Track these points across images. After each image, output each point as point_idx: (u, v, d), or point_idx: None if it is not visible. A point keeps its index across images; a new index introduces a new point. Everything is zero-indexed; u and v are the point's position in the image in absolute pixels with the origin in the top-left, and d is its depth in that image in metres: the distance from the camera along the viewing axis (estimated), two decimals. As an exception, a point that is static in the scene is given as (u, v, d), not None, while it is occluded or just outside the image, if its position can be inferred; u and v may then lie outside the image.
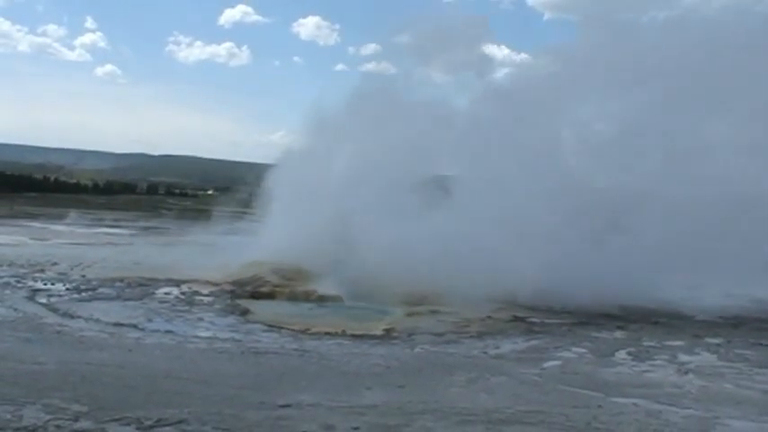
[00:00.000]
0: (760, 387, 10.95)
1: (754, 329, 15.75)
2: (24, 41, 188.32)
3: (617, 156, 20.60)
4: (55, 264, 21.32)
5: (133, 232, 34.79)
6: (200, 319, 14.95)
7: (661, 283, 17.35)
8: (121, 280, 18.93)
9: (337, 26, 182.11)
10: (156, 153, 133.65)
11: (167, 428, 7.56)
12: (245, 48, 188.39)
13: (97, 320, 14.03)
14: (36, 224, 35.29)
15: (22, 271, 19.75)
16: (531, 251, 17.50)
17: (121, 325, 13.71)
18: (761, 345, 14.11)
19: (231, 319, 15.14)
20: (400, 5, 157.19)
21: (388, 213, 19.84)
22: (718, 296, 17.67)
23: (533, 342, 13.80)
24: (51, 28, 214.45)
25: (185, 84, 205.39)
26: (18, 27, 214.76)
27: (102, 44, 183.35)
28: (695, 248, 17.98)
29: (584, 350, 13.13)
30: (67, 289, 17.56)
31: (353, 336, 13.94)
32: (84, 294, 17.03)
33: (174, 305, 16.23)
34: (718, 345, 13.96)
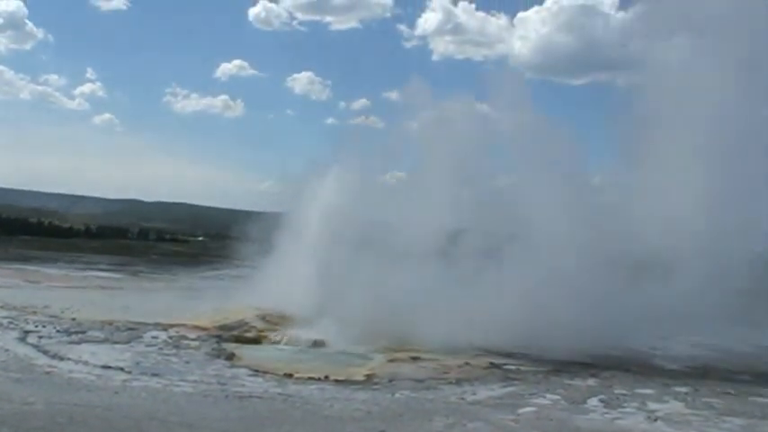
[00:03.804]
0: (725, 435, 11.41)
1: (721, 378, 16.17)
2: (26, 90, 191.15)
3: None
4: (46, 306, 21.59)
5: (123, 276, 34.86)
6: (187, 363, 15.25)
7: (633, 332, 17.71)
8: (110, 323, 19.17)
9: (329, 82, 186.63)
10: (148, 199, 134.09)
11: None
12: (239, 100, 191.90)
13: (86, 362, 14.34)
14: (30, 267, 35.34)
15: (15, 313, 20.06)
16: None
17: (109, 367, 14.03)
18: (727, 393, 14.55)
19: (217, 364, 15.42)
20: (390, 63, 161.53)
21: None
22: (686, 345, 18.05)
23: (509, 388, 14.20)
24: (52, 78, 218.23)
25: (180, 133, 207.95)
26: (21, 76, 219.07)
27: (100, 94, 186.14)
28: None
29: (557, 397, 13.54)
30: (58, 331, 17.84)
31: (336, 381, 14.30)
32: (73, 337, 17.31)
33: (161, 349, 16.53)
34: (686, 393, 14.37)
